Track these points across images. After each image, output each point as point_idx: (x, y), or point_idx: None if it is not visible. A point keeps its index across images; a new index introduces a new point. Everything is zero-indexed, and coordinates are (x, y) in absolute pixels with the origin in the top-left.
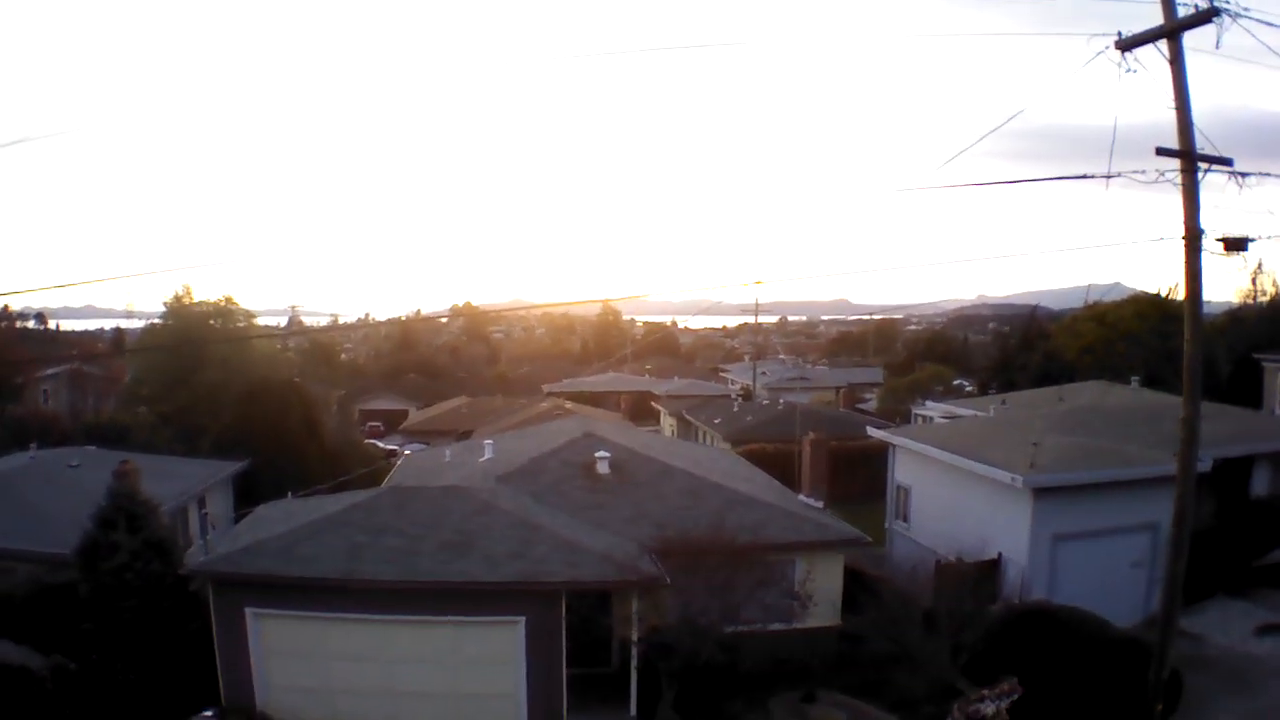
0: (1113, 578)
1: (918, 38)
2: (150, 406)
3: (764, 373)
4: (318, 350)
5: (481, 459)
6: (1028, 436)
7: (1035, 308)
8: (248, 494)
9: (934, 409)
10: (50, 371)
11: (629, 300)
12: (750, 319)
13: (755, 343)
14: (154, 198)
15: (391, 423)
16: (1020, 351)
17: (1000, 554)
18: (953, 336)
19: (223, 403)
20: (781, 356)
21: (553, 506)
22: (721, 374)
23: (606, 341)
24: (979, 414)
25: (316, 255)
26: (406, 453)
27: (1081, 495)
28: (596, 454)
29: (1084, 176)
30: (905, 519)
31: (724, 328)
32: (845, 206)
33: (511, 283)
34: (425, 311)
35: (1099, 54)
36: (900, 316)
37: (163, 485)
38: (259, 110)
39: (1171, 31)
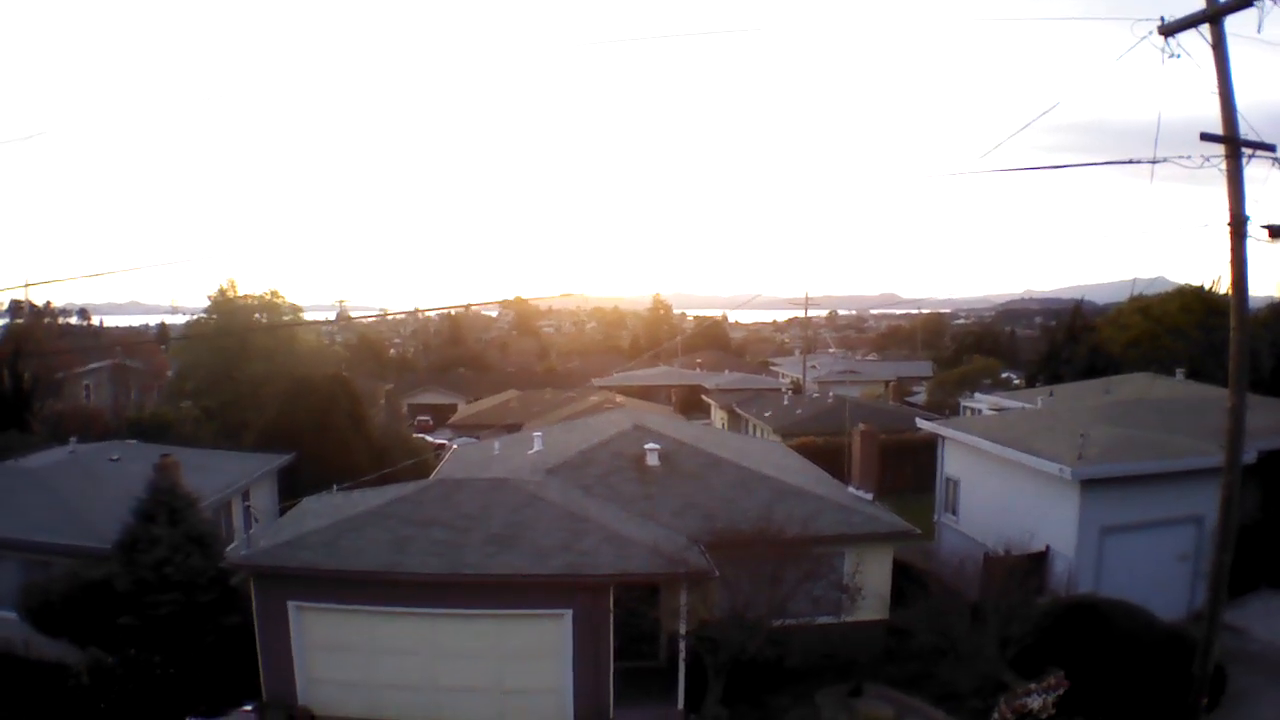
0: (1158, 570)
1: (967, 23)
2: (194, 401)
3: (814, 366)
4: (366, 345)
5: (530, 451)
6: (1075, 428)
7: (1080, 301)
8: (293, 488)
9: (982, 401)
10: (92, 366)
11: (679, 295)
12: (800, 313)
13: (805, 336)
14: (201, 193)
15: (440, 417)
16: (1067, 344)
17: (1048, 546)
18: (1000, 330)
19: (267, 397)
20: (831, 350)
21: (602, 499)
22: (772, 368)
23: (657, 335)
24: (1027, 406)
25: (366, 250)
26: (455, 446)
27: (1128, 487)
28: (645, 446)
29: (1131, 161)
30: (954, 512)
31: (774, 322)
32: (893, 198)
33: (562, 277)
34: (475, 306)
35: (1142, 39)
36: (948, 311)
37: (206, 479)
38: (310, 104)
39: (1214, 15)
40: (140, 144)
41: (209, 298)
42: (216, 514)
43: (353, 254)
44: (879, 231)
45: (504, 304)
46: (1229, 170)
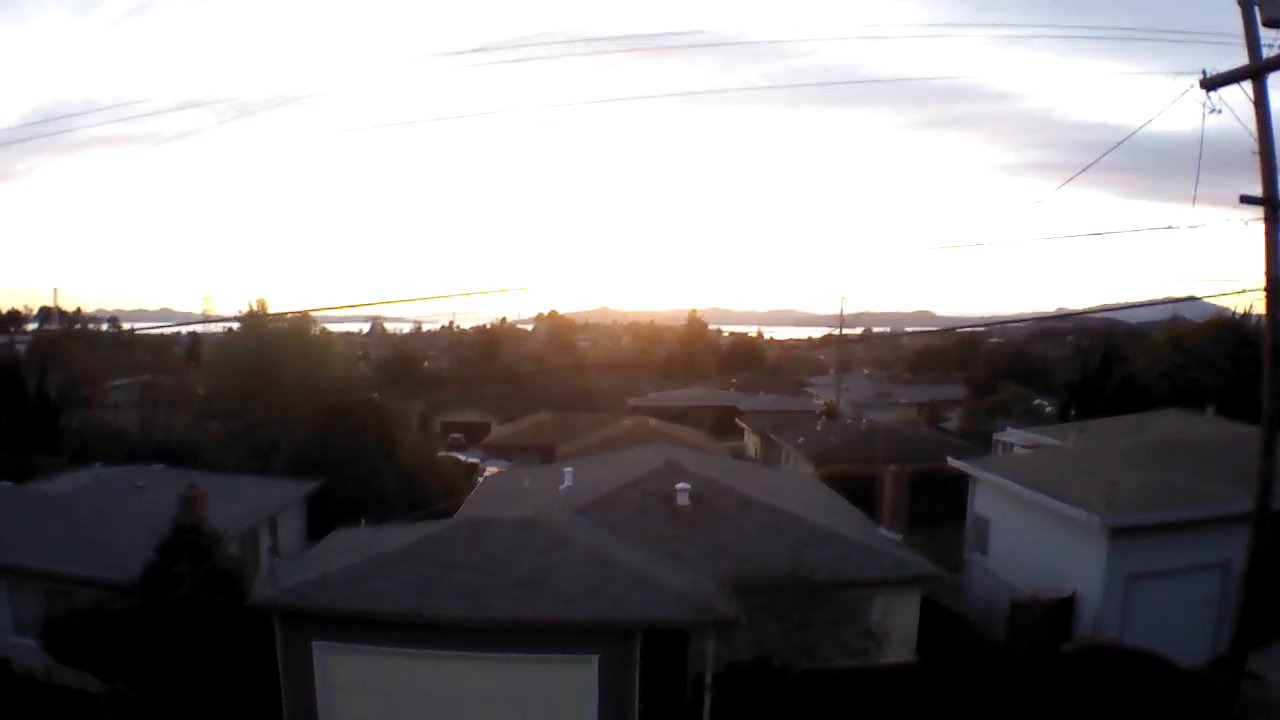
0: (1182, 616)
1: (1016, 40)
2: (223, 423)
3: (848, 388)
4: (399, 359)
5: (561, 486)
6: (1105, 472)
7: (1113, 325)
8: (322, 515)
9: (1014, 436)
10: (121, 382)
11: (715, 309)
12: (835, 330)
13: (840, 354)
14: (235, 203)
15: (473, 435)
16: (1099, 374)
17: (1075, 591)
18: (1033, 352)
19: (298, 421)
20: (866, 371)
21: (631, 539)
22: (806, 389)
23: (692, 352)
24: (1058, 443)
25: (403, 262)
26: (489, 470)
27: (1156, 534)
28: (677, 485)
29: (1168, 228)
30: (983, 550)
31: (809, 338)
32: (931, 222)
33: (597, 291)
34: (510, 320)
35: (1184, 93)
36: (982, 328)
37: (233, 506)
38: (341, 116)
39: (1256, 72)
40: (176, 150)
41: (239, 313)
42: (243, 543)
43: (390, 265)
44: (916, 251)
45: (539, 317)
46: (1267, 232)
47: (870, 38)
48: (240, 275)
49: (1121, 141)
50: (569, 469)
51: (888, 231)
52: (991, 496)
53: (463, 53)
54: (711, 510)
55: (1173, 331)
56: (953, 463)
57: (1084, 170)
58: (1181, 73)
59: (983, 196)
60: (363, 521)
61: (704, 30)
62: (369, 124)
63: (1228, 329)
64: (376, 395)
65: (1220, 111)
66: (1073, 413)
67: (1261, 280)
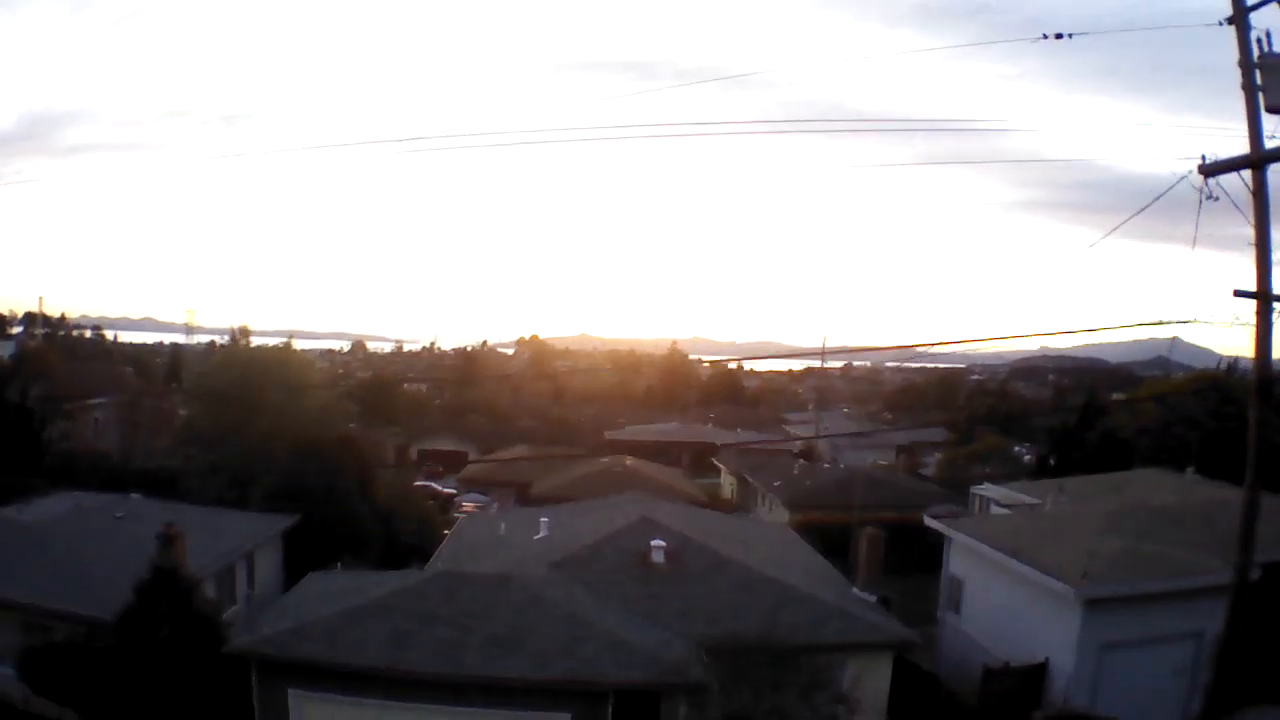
0: (1154, 684)
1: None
2: (202, 452)
3: (827, 427)
4: (378, 384)
5: (536, 537)
6: (1082, 538)
7: (1094, 366)
8: (298, 551)
9: (992, 492)
10: (101, 399)
11: (696, 339)
12: (816, 363)
13: (819, 388)
14: (224, 216)
15: (451, 463)
16: (1080, 426)
17: (1047, 659)
18: (1013, 394)
19: (277, 453)
20: (845, 410)
21: (605, 596)
22: (784, 425)
23: (672, 382)
24: (1036, 502)
25: (386, 286)
26: (465, 505)
27: (1131, 604)
28: (652, 543)
29: (1158, 323)
30: (956, 610)
31: (790, 371)
32: (914, 262)
33: (579, 317)
34: (491, 343)
35: (1181, 178)
36: (963, 366)
37: (211, 541)
38: (336, 137)
39: (1257, 162)
40: (165, 161)
41: (223, 336)
42: (220, 580)
43: (373, 288)
44: (897, 286)
45: (519, 341)
46: (1257, 328)
47: (857, 72)
48: (225, 290)
49: (1140, 210)
50: (545, 518)
51: (872, 267)
52: (966, 558)
53: (455, 79)
54: (687, 569)
55: (1156, 388)
56: (929, 521)
57: (1126, 221)
58: (1182, 158)
59: (970, 232)
60: (339, 565)
61: (689, 62)
62: (357, 143)
63: (1211, 385)
64: (354, 426)
65: (1218, 199)
66: (1052, 463)
67: (1250, 354)
